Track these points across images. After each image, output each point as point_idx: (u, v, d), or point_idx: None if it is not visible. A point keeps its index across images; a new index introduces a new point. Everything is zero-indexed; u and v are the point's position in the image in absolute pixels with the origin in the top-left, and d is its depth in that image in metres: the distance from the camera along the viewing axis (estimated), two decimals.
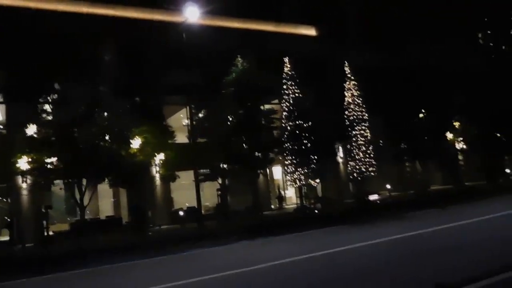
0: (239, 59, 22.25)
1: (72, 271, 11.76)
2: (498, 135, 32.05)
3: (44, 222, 19.23)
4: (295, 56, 26.01)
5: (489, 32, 43.15)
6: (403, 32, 37.89)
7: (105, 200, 29.13)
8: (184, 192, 28.20)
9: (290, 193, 32.77)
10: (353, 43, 33.08)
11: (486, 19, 42.70)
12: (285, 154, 23.76)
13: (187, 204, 26.91)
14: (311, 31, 32.75)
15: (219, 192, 24.99)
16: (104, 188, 25.18)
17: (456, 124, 31.64)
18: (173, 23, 22.73)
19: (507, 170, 35.17)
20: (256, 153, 21.90)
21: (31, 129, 18.00)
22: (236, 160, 21.63)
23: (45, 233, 18.39)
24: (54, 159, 17.72)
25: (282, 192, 30.80)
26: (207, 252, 13.41)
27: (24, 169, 17.81)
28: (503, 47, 52.84)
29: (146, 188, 22.62)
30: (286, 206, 29.86)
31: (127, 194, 25.51)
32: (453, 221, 13.28)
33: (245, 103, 21.37)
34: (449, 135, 31.86)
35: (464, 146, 32.84)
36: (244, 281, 8.25)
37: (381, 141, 29.29)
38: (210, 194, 27.12)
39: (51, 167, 17.72)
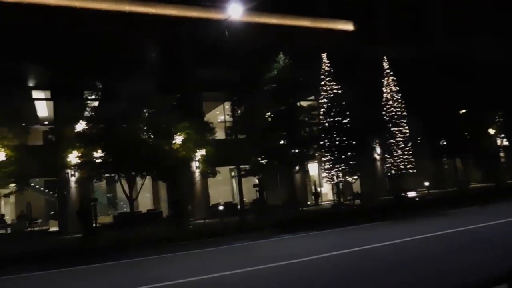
0: (281, 55, 22.39)
1: (121, 260, 12.28)
2: None
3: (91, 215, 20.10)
4: (332, 52, 25.96)
5: None
6: (442, 25, 37.15)
7: (143, 194, 30.04)
8: (220, 187, 28.78)
9: (326, 190, 32.77)
10: (391, 38, 32.66)
11: None
12: (322, 151, 23.75)
13: (220, 200, 27.47)
14: (348, 26, 32.49)
15: (257, 188, 25.30)
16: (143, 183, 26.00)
17: (499, 120, 30.68)
18: (212, 20, 23.13)
19: None
20: (294, 149, 21.97)
21: (80, 125, 18.77)
22: (274, 156, 21.81)
23: (93, 225, 19.11)
24: (102, 154, 18.40)
25: (318, 189, 30.81)
26: (252, 245, 13.69)
27: (74, 163, 18.59)
28: None
29: (185, 183, 23.15)
30: (322, 203, 29.87)
31: (167, 188, 26.22)
32: (494, 219, 13.03)
33: (286, 99, 21.53)
34: (491, 131, 30.99)
35: (507, 143, 31.89)
36: (291, 272, 8.46)
37: (419, 138, 28.82)
38: (246, 189, 27.47)
39: (100, 161, 18.41)
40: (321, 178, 29.70)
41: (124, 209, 28.52)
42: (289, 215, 21.27)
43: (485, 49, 32.33)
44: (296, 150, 22.01)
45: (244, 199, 28.15)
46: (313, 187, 30.47)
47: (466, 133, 29.35)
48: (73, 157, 18.45)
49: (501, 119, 30.32)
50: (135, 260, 12.17)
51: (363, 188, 29.97)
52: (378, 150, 30.16)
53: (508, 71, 29.49)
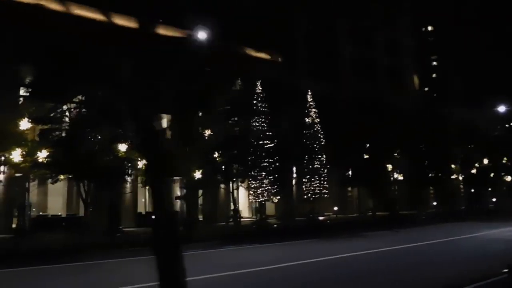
0: (238, 81, 24.06)
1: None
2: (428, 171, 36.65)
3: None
4: (262, 80, 28.02)
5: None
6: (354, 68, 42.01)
7: (56, 198, 28.97)
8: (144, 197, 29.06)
9: (241, 207, 34.55)
10: (314, 71, 36.12)
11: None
12: (256, 170, 25.40)
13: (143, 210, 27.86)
14: (277, 57, 34.98)
15: (180, 200, 26.24)
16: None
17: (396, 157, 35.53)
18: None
19: (434, 203, 40.06)
20: (236, 166, 23.45)
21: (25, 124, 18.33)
22: (216, 172, 23.06)
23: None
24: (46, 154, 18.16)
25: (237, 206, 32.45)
26: (198, 254, 14.75)
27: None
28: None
29: (118, 190, 23.25)
30: (241, 220, 31.49)
31: (89, 193, 25.73)
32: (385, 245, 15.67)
33: (237, 120, 23.19)
34: (389, 167, 35.76)
35: (400, 177, 37.00)
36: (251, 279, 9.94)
37: (327, 166, 31.84)
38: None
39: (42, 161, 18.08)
40: (238, 196, 31.83)
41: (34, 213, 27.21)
42: (210, 230, 22.37)
43: (389, 92, 37.64)
44: (237, 167, 23.47)
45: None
46: (232, 204, 32.03)
47: (368, 166, 33.43)
48: (16, 154, 17.79)
49: (398, 157, 35.20)
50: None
51: (278, 209, 32.31)
52: (294, 174, 32.83)
53: (404, 115, 34.66)
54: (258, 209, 29.84)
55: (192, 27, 18.71)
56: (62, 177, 20.97)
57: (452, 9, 61.10)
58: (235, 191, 30.12)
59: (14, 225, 21.56)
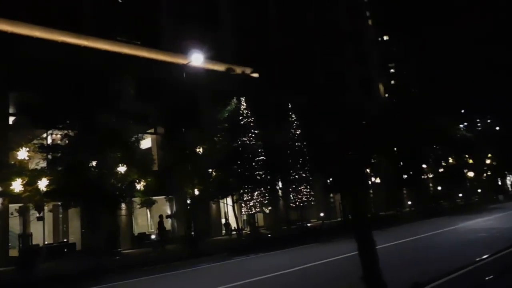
0: (234, 100, 25.04)
1: None
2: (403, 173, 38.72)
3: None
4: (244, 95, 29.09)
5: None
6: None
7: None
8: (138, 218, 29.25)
9: (230, 220, 35.25)
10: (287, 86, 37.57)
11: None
12: (248, 185, 26.17)
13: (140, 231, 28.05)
14: (254, 73, 36.15)
15: (168, 218, 26.89)
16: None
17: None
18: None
19: (409, 202, 42.13)
20: (235, 182, 24.25)
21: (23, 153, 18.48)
22: (217, 187, 23.82)
23: None
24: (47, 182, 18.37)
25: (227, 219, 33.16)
26: (215, 266, 15.56)
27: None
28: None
29: (115, 213, 23.46)
30: (233, 233, 32.19)
31: (82, 219, 25.74)
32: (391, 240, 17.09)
33: (235, 136, 24.11)
34: (367, 170, 37.52)
35: (378, 180, 38.87)
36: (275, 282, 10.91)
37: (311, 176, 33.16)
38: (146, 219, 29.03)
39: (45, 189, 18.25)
40: (227, 210, 32.55)
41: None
42: (208, 244, 22.99)
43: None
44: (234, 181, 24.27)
45: (152, 229, 29.15)
46: (223, 219, 32.70)
47: (346, 173, 34.96)
48: (17, 185, 17.85)
49: (374, 161, 37.00)
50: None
51: (267, 219, 33.22)
52: (280, 184, 33.91)
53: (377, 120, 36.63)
54: (250, 221, 30.61)
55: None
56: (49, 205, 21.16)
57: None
58: (224, 205, 31.03)
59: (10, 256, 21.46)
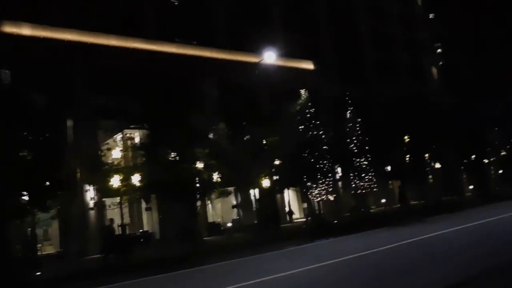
0: (304, 93, 26.51)
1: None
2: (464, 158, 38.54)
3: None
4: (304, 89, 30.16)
5: None
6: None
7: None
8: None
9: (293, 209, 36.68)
10: (342, 78, 38.31)
11: None
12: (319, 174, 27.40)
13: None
14: (309, 65, 37.04)
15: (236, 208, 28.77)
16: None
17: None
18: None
19: (470, 186, 41.80)
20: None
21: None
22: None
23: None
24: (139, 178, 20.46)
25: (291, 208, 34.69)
26: (307, 247, 16.94)
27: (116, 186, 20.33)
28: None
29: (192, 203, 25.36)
30: (295, 220, 33.60)
31: (163, 211, 27.91)
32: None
33: (305, 128, 25.59)
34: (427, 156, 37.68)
35: (438, 165, 38.91)
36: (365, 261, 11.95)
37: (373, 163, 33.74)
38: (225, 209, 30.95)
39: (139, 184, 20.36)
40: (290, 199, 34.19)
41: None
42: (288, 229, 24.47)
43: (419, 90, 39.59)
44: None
45: (219, 220, 31.01)
46: (287, 207, 34.18)
47: (406, 160, 35.36)
48: (115, 181, 20.05)
49: (434, 147, 37.06)
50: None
51: (326, 206, 34.29)
52: (340, 173, 34.87)
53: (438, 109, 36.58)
54: (312, 209, 31.79)
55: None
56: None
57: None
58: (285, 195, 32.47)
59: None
